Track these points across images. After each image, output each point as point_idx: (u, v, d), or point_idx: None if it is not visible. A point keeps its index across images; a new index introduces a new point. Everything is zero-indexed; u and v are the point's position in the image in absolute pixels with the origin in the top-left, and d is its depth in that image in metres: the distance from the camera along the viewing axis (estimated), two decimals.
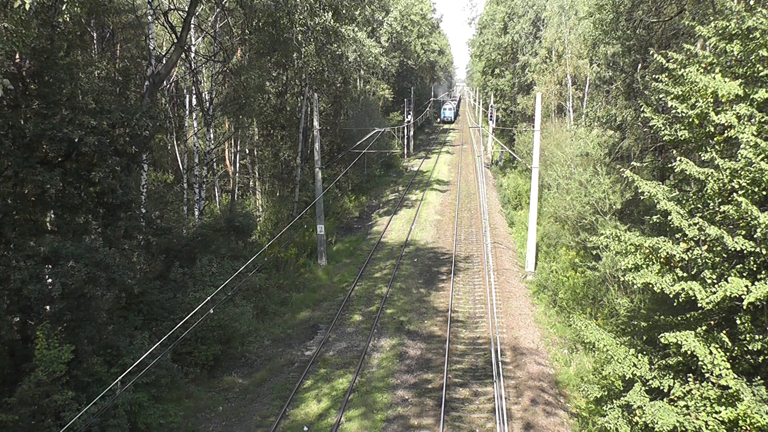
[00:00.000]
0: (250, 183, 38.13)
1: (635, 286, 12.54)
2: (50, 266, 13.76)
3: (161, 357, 14.27)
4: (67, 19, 15.89)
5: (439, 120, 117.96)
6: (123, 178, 16.04)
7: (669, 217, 11.48)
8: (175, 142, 34.05)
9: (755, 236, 10.34)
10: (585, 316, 21.48)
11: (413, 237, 36.38)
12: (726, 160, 10.95)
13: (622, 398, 12.10)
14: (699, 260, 11.11)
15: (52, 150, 14.58)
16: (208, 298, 15.38)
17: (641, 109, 15.20)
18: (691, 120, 11.86)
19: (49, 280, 13.49)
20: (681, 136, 12.15)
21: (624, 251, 12.34)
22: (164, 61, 21.34)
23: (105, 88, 16.70)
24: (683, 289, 10.91)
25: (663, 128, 12.73)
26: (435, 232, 37.47)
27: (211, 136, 27.64)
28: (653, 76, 16.66)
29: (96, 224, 16.33)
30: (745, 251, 10.44)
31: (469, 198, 47.49)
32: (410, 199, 48.18)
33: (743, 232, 10.59)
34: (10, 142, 13.45)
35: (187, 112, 33.01)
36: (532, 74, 51.81)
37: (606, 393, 13.77)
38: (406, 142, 71.97)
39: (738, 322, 10.74)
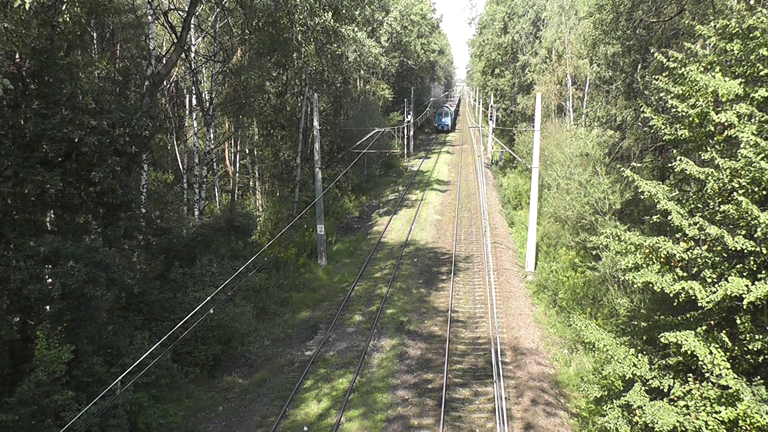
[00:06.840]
0: (250, 183, 38.12)
1: (635, 286, 12.54)
2: (50, 266, 13.75)
3: (161, 357, 14.27)
4: (67, 19, 15.94)
5: (434, 126, 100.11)
6: (123, 178, 16.04)
7: (669, 217, 11.47)
8: (175, 142, 34.07)
9: (755, 236, 10.34)
10: (585, 316, 21.48)
11: (413, 237, 36.37)
12: (726, 159, 10.95)
13: (622, 398, 12.10)
14: (699, 260, 11.10)
15: (52, 150, 14.58)
16: (208, 298, 15.36)
17: (641, 109, 15.19)
18: (691, 119, 11.86)
19: (49, 280, 13.49)
20: (681, 135, 12.15)
21: (624, 251, 12.34)
22: (164, 61, 21.34)
23: (105, 88, 16.71)
24: (683, 288, 10.91)
25: (663, 128, 12.73)
26: (435, 232, 37.46)
27: (211, 136, 27.64)
28: (653, 76, 16.66)
29: (96, 224, 16.31)
30: (745, 251, 10.43)
31: (469, 198, 47.47)
32: (410, 199, 48.15)
33: (743, 232, 10.59)
34: (10, 142, 13.44)
35: (187, 112, 33.01)
36: (532, 74, 51.81)
37: (606, 393, 13.77)
38: (406, 142, 71.95)
39: (738, 321, 10.73)
